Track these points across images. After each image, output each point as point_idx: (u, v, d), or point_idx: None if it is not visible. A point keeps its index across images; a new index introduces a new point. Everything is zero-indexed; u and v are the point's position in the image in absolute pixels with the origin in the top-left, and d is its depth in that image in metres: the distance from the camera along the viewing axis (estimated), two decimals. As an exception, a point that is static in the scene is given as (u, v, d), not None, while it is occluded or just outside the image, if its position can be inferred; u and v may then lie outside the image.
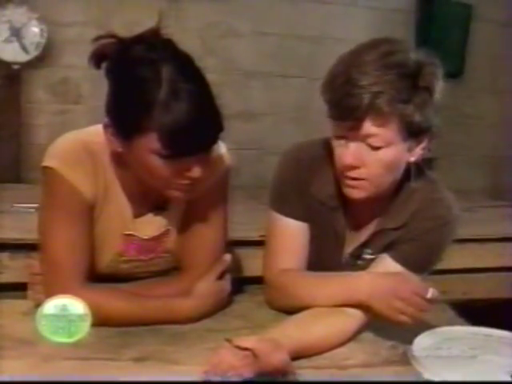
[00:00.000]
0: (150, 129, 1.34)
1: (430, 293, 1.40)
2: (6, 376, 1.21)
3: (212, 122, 1.40)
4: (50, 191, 1.51)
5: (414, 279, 1.47)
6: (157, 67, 1.34)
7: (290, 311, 1.55)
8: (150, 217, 1.62)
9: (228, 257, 1.63)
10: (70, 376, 1.26)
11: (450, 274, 2.63)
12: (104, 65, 1.43)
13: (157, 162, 1.38)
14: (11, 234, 2.43)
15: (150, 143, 1.36)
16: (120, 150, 1.44)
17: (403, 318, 1.43)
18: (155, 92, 1.32)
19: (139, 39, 1.40)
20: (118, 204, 1.56)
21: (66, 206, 1.48)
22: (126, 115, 1.39)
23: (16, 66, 3.43)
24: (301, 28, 3.95)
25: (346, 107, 1.43)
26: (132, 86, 1.37)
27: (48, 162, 1.48)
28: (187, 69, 1.39)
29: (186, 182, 1.43)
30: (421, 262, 1.62)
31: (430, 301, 1.41)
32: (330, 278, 1.59)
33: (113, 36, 1.42)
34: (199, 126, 1.35)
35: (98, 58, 1.42)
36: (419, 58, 1.47)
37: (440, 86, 1.49)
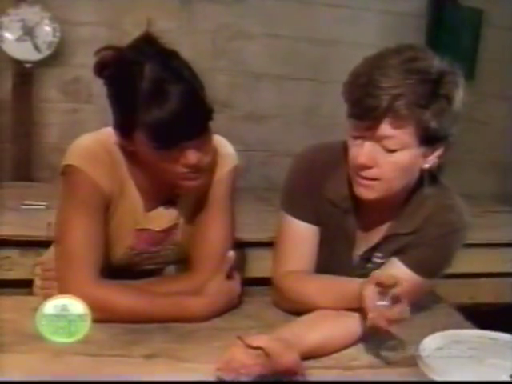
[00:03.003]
0: (138, 125, 1.43)
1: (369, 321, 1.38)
2: (7, 377, 1.22)
3: (194, 113, 1.45)
4: (72, 188, 1.55)
5: (364, 292, 1.41)
6: (140, 67, 1.42)
7: (297, 313, 1.56)
8: (160, 210, 1.67)
9: (231, 253, 1.65)
10: (73, 376, 1.27)
11: (457, 279, 2.63)
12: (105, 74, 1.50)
13: (153, 154, 1.47)
14: (21, 231, 2.45)
15: (141, 137, 1.45)
16: (131, 148, 1.52)
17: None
18: (137, 90, 1.41)
19: (131, 45, 1.48)
20: (132, 199, 1.62)
21: (87, 202, 1.53)
22: (119, 114, 1.48)
23: (28, 65, 3.43)
24: (312, 31, 3.94)
25: (366, 107, 1.44)
26: (120, 85, 1.46)
27: (70, 160, 1.55)
28: (170, 64, 1.46)
29: (187, 170, 1.49)
30: (430, 267, 1.62)
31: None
32: (333, 282, 1.61)
33: (111, 47, 1.49)
34: (179, 118, 1.42)
35: (100, 68, 1.49)
36: (442, 66, 1.48)
37: (460, 96, 1.49)
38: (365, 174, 1.52)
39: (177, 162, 1.47)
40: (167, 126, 1.41)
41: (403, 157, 1.49)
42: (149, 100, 1.40)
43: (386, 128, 1.45)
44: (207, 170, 1.56)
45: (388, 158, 1.49)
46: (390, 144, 1.47)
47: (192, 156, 1.47)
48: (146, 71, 1.41)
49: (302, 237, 1.68)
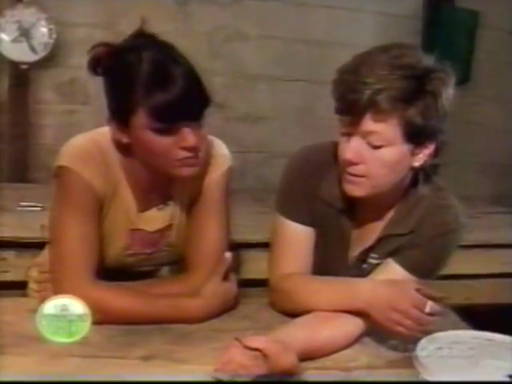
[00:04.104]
0: (138, 105, 1.44)
1: (429, 307, 1.40)
2: (7, 376, 1.22)
3: (195, 92, 1.47)
4: (64, 189, 1.55)
5: (413, 292, 1.44)
6: (138, 52, 1.44)
7: (293, 314, 1.56)
8: (154, 211, 1.67)
9: (228, 255, 1.65)
10: (74, 376, 1.27)
11: (454, 280, 2.64)
12: (99, 70, 1.52)
13: (152, 138, 1.47)
14: (17, 233, 2.45)
15: (141, 120, 1.45)
16: (125, 140, 1.52)
17: (400, 329, 1.44)
18: (137, 71, 1.43)
19: (125, 39, 1.51)
20: (125, 200, 1.62)
21: (81, 203, 1.53)
22: (116, 99, 1.49)
23: (24, 66, 3.44)
24: (307, 32, 3.96)
25: (348, 102, 1.46)
26: (118, 72, 1.47)
27: (62, 161, 1.54)
28: (167, 51, 1.48)
29: (186, 154, 1.49)
30: (426, 268, 1.62)
31: (430, 315, 1.41)
32: (332, 284, 1.60)
33: (105, 44, 1.50)
34: (181, 95, 1.43)
35: (94, 64, 1.51)
36: (430, 63, 1.48)
37: (448, 94, 1.49)
38: (351, 170, 1.52)
39: (175, 145, 1.47)
40: (170, 105, 1.42)
41: (389, 153, 1.49)
42: (150, 81, 1.42)
43: (368, 123, 1.46)
44: (202, 159, 1.55)
45: (374, 154, 1.49)
46: (375, 140, 1.47)
47: (190, 138, 1.47)
48: (143, 56, 1.43)
49: (297, 239, 1.68)
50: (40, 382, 1.24)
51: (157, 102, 1.42)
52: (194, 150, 1.49)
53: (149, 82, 1.42)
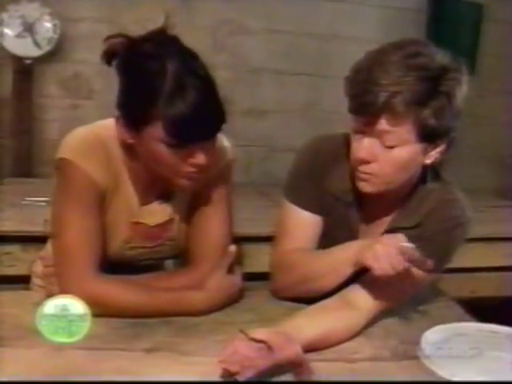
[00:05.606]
0: (156, 118, 1.41)
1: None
2: (6, 376, 1.22)
3: (214, 112, 1.46)
4: (65, 182, 1.54)
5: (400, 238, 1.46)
6: (162, 61, 1.41)
7: (296, 293, 1.60)
8: (155, 205, 1.66)
9: (233, 248, 1.65)
10: (75, 376, 1.26)
11: (459, 273, 2.64)
12: (115, 62, 1.49)
13: (164, 151, 1.45)
14: (22, 227, 2.45)
15: (156, 132, 1.43)
16: (131, 141, 1.50)
17: (377, 266, 1.43)
18: (160, 84, 1.40)
19: (147, 37, 1.47)
20: (126, 193, 1.61)
21: (82, 196, 1.52)
22: (134, 106, 1.47)
23: (28, 61, 3.45)
24: (311, 26, 3.95)
25: (363, 103, 1.45)
26: (139, 79, 1.44)
27: (63, 153, 1.52)
28: (191, 63, 1.45)
29: (193, 169, 1.49)
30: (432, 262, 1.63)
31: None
32: (331, 249, 1.62)
33: (122, 35, 1.48)
34: (201, 115, 1.42)
35: (108, 56, 1.49)
36: (445, 62, 1.47)
37: (462, 93, 1.49)
38: (364, 168, 1.53)
39: (184, 160, 1.46)
40: (189, 124, 1.41)
41: (402, 153, 1.49)
42: (174, 97, 1.39)
43: (383, 124, 1.46)
44: (206, 172, 1.55)
45: (387, 153, 1.49)
46: (389, 140, 1.47)
47: (201, 156, 1.46)
48: (168, 67, 1.40)
49: (305, 223, 1.68)
50: (40, 381, 1.24)
51: (178, 119, 1.40)
52: (201, 167, 1.49)
53: (173, 98, 1.39)
